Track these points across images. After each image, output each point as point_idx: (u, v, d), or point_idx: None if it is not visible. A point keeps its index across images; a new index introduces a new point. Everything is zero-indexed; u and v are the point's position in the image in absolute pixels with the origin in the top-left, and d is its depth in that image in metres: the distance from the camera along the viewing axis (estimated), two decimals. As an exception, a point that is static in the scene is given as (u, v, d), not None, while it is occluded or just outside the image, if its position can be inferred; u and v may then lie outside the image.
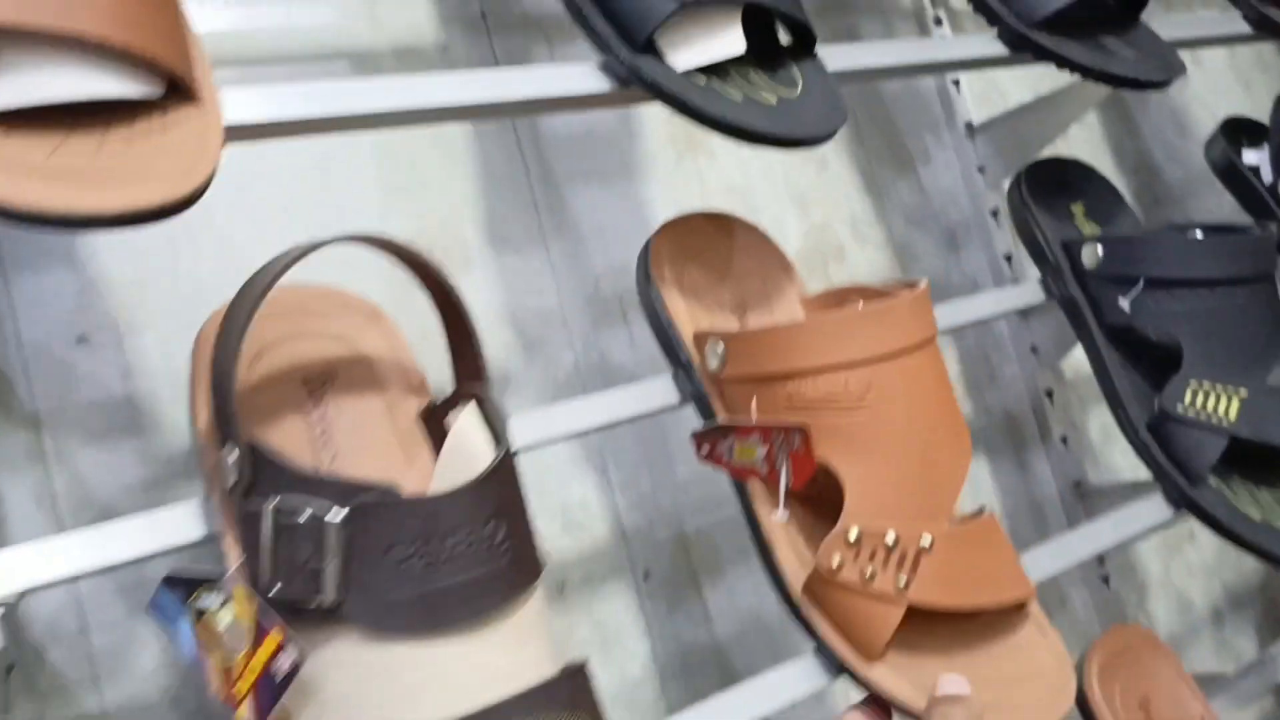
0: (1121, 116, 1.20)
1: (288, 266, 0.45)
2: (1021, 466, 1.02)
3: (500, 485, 0.46)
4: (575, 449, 0.77)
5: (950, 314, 0.82)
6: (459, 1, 0.77)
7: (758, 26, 0.62)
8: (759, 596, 0.83)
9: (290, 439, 0.52)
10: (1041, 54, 0.77)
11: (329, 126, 0.50)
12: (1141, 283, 0.78)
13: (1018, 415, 1.02)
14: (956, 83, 1.02)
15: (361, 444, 0.53)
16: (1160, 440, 0.77)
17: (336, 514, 0.43)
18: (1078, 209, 0.89)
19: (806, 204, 0.93)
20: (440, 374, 0.56)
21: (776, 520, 0.59)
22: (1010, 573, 0.58)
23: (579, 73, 0.58)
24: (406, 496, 0.43)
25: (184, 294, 0.64)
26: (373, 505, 0.43)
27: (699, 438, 0.61)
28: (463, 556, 0.44)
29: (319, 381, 0.53)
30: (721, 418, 0.61)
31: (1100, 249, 0.80)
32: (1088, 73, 0.77)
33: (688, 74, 0.58)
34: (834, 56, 0.69)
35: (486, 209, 0.76)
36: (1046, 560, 0.74)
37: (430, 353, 0.57)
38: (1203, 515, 0.76)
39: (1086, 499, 1.01)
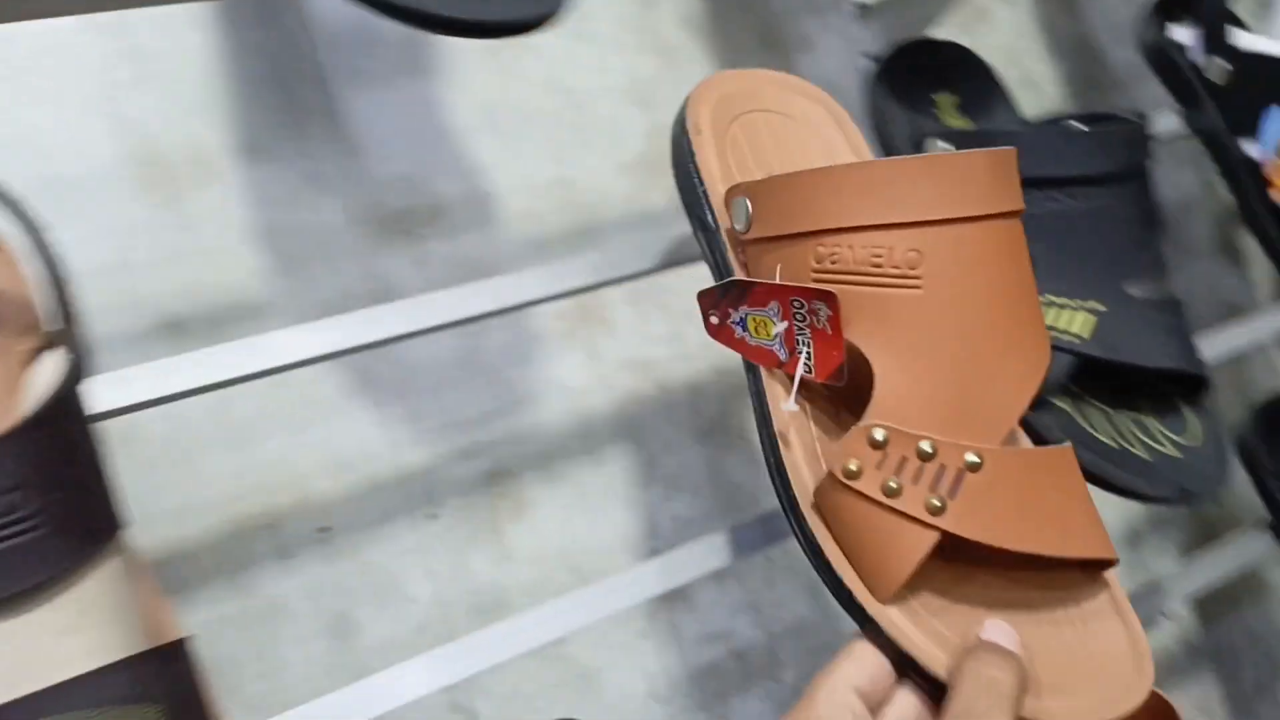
0: (1061, -8, 1.08)
1: None
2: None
3: (34, 449, 0.39)
4: (350, 380, 0.70)
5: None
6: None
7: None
8: (568, 535, 0.76)
9: None
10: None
11: None
12: (985, 184, 0.68)
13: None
14: (846, -43, 0.91)
15: (-49, 388, 0.47)
16: (1003, 364, 0.68)
17: None
18: (945, 100, 0.78)
19: (649, 101, 0.83)
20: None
21: (785, 410, 0.47)
22: (1083, 522, 0.45)
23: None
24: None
25: None
26: None
27: (705, 300, 0.50)
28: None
29: (-93, 318, 0.47)
30: (737, 276, 0.51)
31: (940, 146, 0.70)
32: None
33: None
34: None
35: (234, 112, 0.68)
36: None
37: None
38: (1039, 442, 0.67)
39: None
